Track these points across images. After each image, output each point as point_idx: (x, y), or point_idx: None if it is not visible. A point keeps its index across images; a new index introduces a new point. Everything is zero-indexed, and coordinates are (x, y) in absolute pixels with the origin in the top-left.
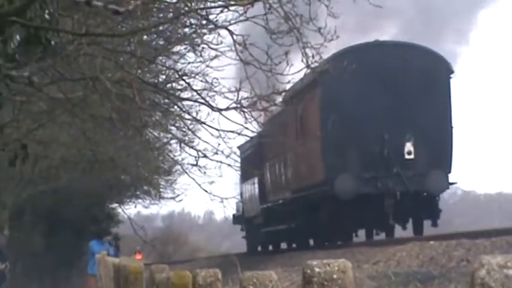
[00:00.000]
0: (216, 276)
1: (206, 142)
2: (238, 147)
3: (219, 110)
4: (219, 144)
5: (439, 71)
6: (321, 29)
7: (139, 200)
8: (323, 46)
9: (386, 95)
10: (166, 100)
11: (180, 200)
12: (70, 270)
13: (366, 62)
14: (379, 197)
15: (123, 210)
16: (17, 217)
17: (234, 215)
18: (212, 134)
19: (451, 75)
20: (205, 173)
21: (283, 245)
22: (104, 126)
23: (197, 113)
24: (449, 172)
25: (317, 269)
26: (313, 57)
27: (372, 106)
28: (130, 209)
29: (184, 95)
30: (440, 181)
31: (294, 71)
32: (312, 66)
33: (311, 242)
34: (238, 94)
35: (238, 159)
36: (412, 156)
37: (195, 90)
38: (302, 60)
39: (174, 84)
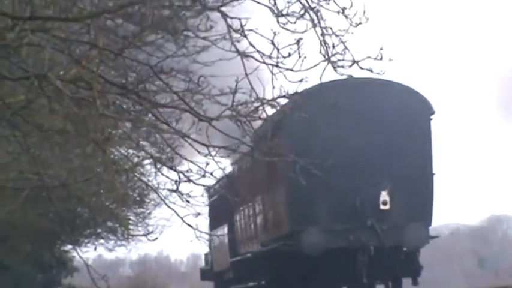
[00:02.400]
0: None
1: (190, 161)
2: (206, 190)
3: (208, 119)
4: (208, 163)
5: (418, 111)
6: (344, 10)
7: (101, 241)
8: (348, 32)
9: (360, 137)
10: (137, 106)
11: (155, 239)
12: None
13: (339, 100)
14: (351, 253)
15: (78, 254)
16: None
17: (201, 269)
18: (199, 151)
19: (432, 116)
20: (188, 201)
21: None
22: (54, 141)
23: (177, 123)
24: (430, 224)
25: None
26: (333, 47)
27: (344, 150)
28: (89, 253)
29: (162, 99)
30: (420, 235)
31: (309, 65)
32: (333, 59)
33: None
34: (233, 97)
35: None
36: (387, 207)
37: (176, 93)
38: (320, 51)
39: (147, 85)
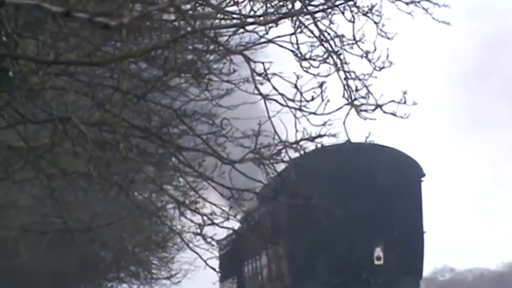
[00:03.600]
0: None
1: (214, 204)
2: (217, 242)
3: (231, 162)
4: (231, 207)
5: (410, 175)
6: (368, 54)
7: (124, 285)
8: (371, 76)
9: (355, 198)
10: (160, 150)
11: (178, 282)
12: None
13: (336, 164)
14: None
15: None
16: None
17: None
18: (222, 194)
19: (422, 179)
20: (212, 244)
21: None
22: (78, 185)
23: (200, 166)
24: (421, 278)
25: None
26: (357, 90)
27: (340, 210)
28: None
29: (184, 142)
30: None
31: (332, 108)
32: (356, 102)
33: None
34: (256, 140)
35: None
36: (381, 262)
37: (199, 136)
38: (343, 95)
39: (171, 129)
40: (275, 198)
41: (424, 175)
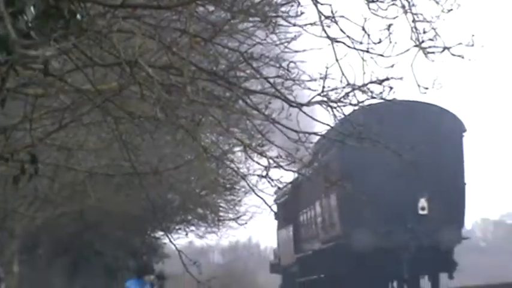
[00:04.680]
0: None
1: (280, 148)
2: (275, 193)
3: (299, 105)
4: (298, 150)
5: (452, 130)
6: None
7: (192, 227)
8: (439, 19)
9: (401, 153)
10: (227, 93)
11: (245, 223)
12: None
13: (384, 120)
14: (394, 251)
15: (170, 241)
16: (29, 249)
17: (270, 263)
18: (288, 137)
19: (464, 134)
20: (279, 187)
21: None
22: (145, 128)
23: (267, 108)
24: (462, 226)
25: None
26: (424, 33)
27: (387, 163)
28: (180, 239)
29: (251, 85)
30: (454, 236)
31: (400, 50)
32: (424, 45)
33: None
34: (323, 83)
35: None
36: (425, 212)
37: (266, 79)
38: (411, 38)
39: (238, 72)
40: (342, 141)
41: (465, 130)
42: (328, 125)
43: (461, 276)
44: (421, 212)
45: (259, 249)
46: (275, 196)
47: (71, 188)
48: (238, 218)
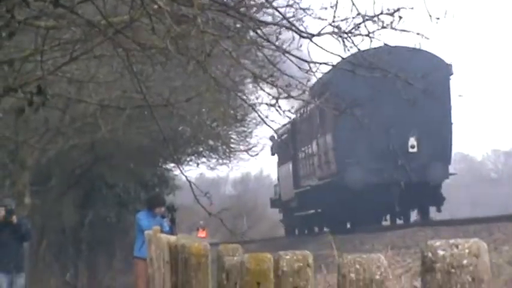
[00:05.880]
0: (306, 261)
1: (291, 77)
2: (275, 131)
3: (309, 36)
4: (308, 80)
5: (440, 73)
6: None
7: (203, 159)
8: None
9: (392, 95)
10: (238, 24)
11: (256, 154)
12: (111, 251)
13: (375, 64)
14: (385, 187)
15: (181, 172)
16: (41, 181)
17: (271, 199)
18: (300, 67)
19: (451, 77)
20: (288, 117)
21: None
22: (156, 60)
23: (277, 39)
24: (449, 163)
25: (441, 252)
26: None
27: (379, 105)
28: (191, 171)
29: (262, 15)
30: (441, 172)
31: None
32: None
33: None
34: (334, 13)
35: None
36: (415, 150)
37: (277, 9)
38: None
39: (248, 2)
40: (353, 71)
41: (452, 73)
42: (339, 55)
43: (475, 208)
44: (411, 150)
45: (270, 181)
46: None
47: (82, 120)
48: (249, 149)
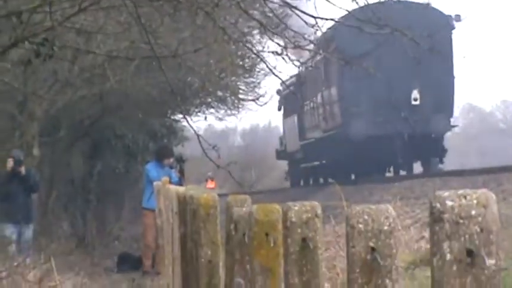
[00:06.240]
0: (314, 211)
1: (296, 32)
2: (283, 82)
3: None
4: (315, 33)
5: (441, 27)
6: None
7: (211, 110)
8: None
9: (394, 48)
10: None
11: (264, 104)
12: (120, 202)
13: (378, 18)
14: (389, 139)
15: (189, 124)
16: (49, 132)
17: (277, 150)
18: (306, 22)
19: (453, 31)
20: (298, 67)
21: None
22: (165, 11)
23: None
24: (451, 116)
25: (449, 203)
26: None
27: (382, 58)
28: (199, 122)
29: None
30: (444, 124)
31: None
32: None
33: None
34: None
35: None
36: (418, 102)
37: None
38: None
39: None
40: (360, 27)
41: (454, 28)
42: (347, 10)
43: (484, 158)
44: (413, 103)
45: (278, 132)
46: (283, 86)
47: (91, 71)
48: (257, 98)
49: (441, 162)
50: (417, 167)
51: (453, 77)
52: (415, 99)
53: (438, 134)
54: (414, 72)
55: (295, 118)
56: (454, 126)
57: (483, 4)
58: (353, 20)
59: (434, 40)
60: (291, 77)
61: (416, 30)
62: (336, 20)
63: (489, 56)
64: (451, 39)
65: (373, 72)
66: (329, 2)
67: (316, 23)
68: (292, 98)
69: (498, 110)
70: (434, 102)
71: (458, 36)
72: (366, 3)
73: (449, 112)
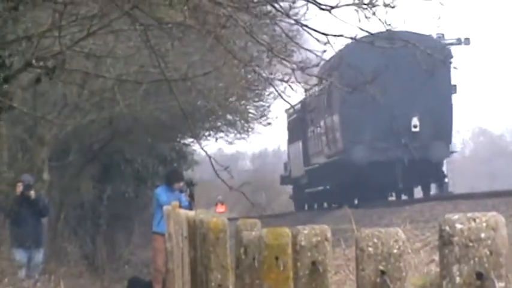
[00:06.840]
0: (324, 235)
1: (307, 50)
2: (286, 111)
3: (328, 8)
4: (325, 51)
5: (440, 57)
6: None
7: (221, 134)
8: None
9: (395, 78)
10: None
11: (269, 124)
12: (130, 226)
13: (379, 49)
14: (389, 165)
15: (200, 146)
16: (59, 156)
17: (281, 176)
18: (318, 40)
19: (451, 60)
20: (306, 90)
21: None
22: (174, 35)
23: (290, 8)
24: (450, 142)
25: (459, 226)
26: None
27: (383, 87)
28: (209, 147)
29: None
30: (442, 150)
31: None
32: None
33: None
34: None
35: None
36: (417, 129)
37: None
38: None
39: None
40: (371, 43)
41: (452, 57)
42: (360, 28)
43: (494, 181)
44: (413, 130)
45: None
46: (286, 114)
47: (100, 95)
48: (264, 116)
49: (441, 186)
50: (418, 192)
51: (451, 105)
52: (415, 126)
53: (437, 160)
54: (414, 99)
55: (300, 144)
56: (452, 152)
57: (495, 27)
58: (367, 37)
59: (435, 68)
60: (297, 104)
61: (420, 58)
62: (348, 37)
63: (499, 79)
64: (449, 69)
65: (378, 97)
66: (343, 21)
67: (328, 41)
68: (297, 125)
69: (508, 133)
70: (433, 129)
71: (468, 60)
72: (380, 21)
73: (448, 139)
